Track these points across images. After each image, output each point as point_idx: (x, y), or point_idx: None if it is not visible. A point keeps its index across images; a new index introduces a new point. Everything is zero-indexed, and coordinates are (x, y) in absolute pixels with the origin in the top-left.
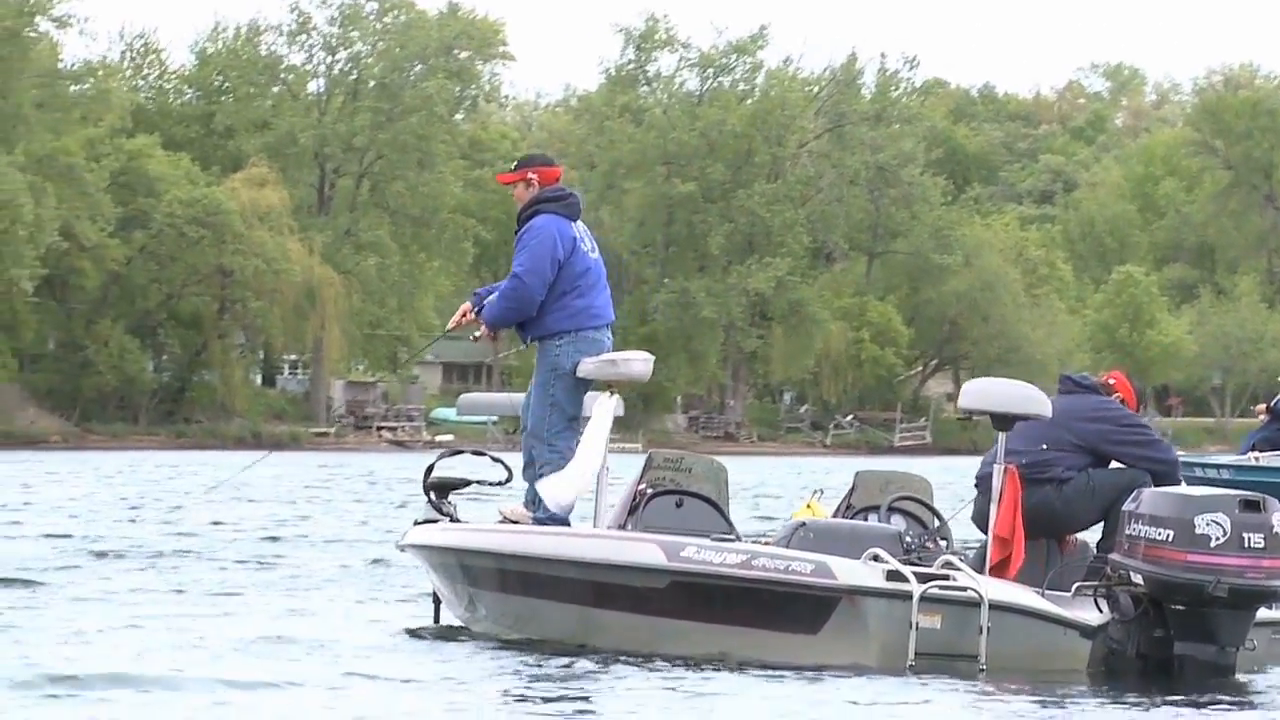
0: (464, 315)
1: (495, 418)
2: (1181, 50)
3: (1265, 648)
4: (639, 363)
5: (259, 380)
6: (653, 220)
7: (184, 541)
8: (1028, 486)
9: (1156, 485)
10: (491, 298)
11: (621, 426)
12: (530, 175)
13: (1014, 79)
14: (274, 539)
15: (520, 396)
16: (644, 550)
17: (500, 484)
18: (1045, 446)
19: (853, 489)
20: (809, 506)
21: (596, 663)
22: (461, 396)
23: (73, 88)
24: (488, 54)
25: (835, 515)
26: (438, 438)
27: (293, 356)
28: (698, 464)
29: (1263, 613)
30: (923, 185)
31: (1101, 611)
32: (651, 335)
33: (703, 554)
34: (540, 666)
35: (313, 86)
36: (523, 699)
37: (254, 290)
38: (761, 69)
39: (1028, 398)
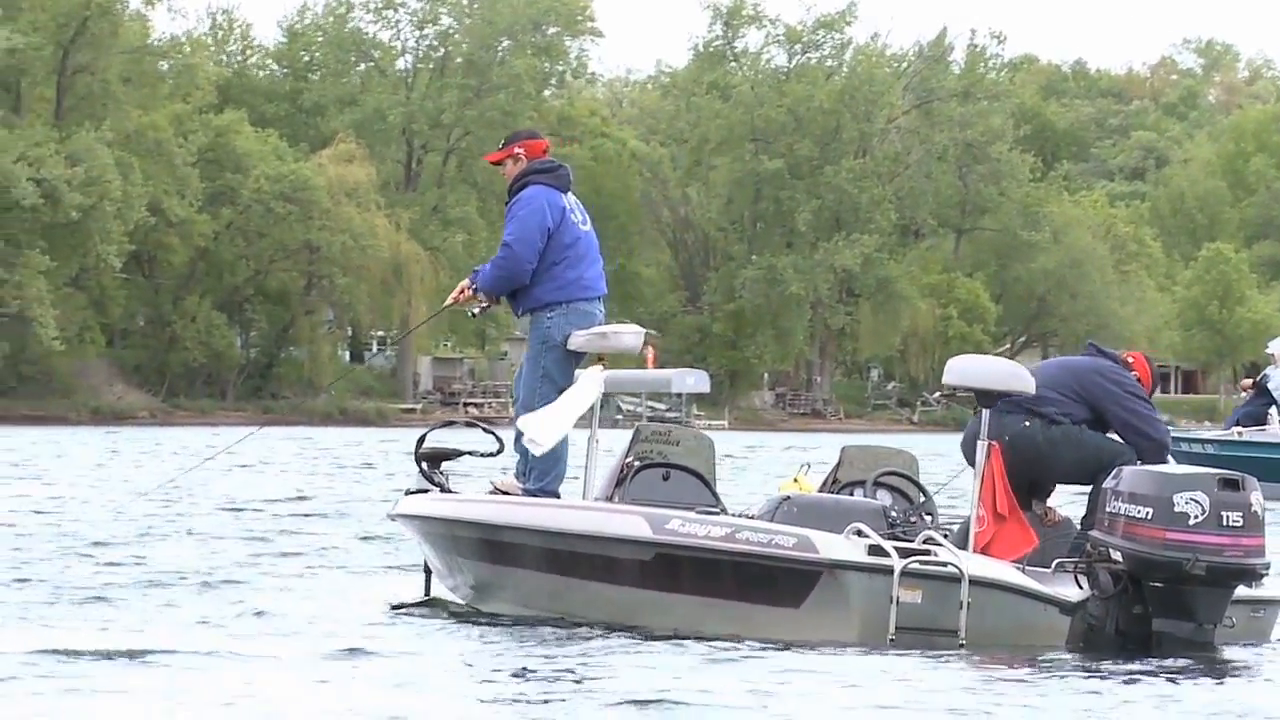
0: (463, 291)
1: None
2: (1274, 26)
3: (1244, 626)
4: (629, 335)
5: (346, 357)
6: (740, 197)
7: (200, 518)
8: (1015, 414)
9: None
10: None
11: (708, 404)
12: (517, 150)
13: (1106, 55)
14: (299, 515)
15: (610, 372)
16: (630, 522)
17: (492, 455)
18: (1051, 388)
19: (839, 464)
20: (796, 481)
21: (582, 634)
22: None
23: (162, 64)
24: (575, 29)
25: (821, 490)
26: None
27: (380, 333)
28: (685, 437)
29: (1242, 591)
30: (1011, 162)
31: (1081, 588)
32: (738, 312)
33: (687, 527)
34: (527, 638)
35: (400, 63)
36: (509, 670)
37: (341, 266)
38: (849, 45)
39: (1011, 374)
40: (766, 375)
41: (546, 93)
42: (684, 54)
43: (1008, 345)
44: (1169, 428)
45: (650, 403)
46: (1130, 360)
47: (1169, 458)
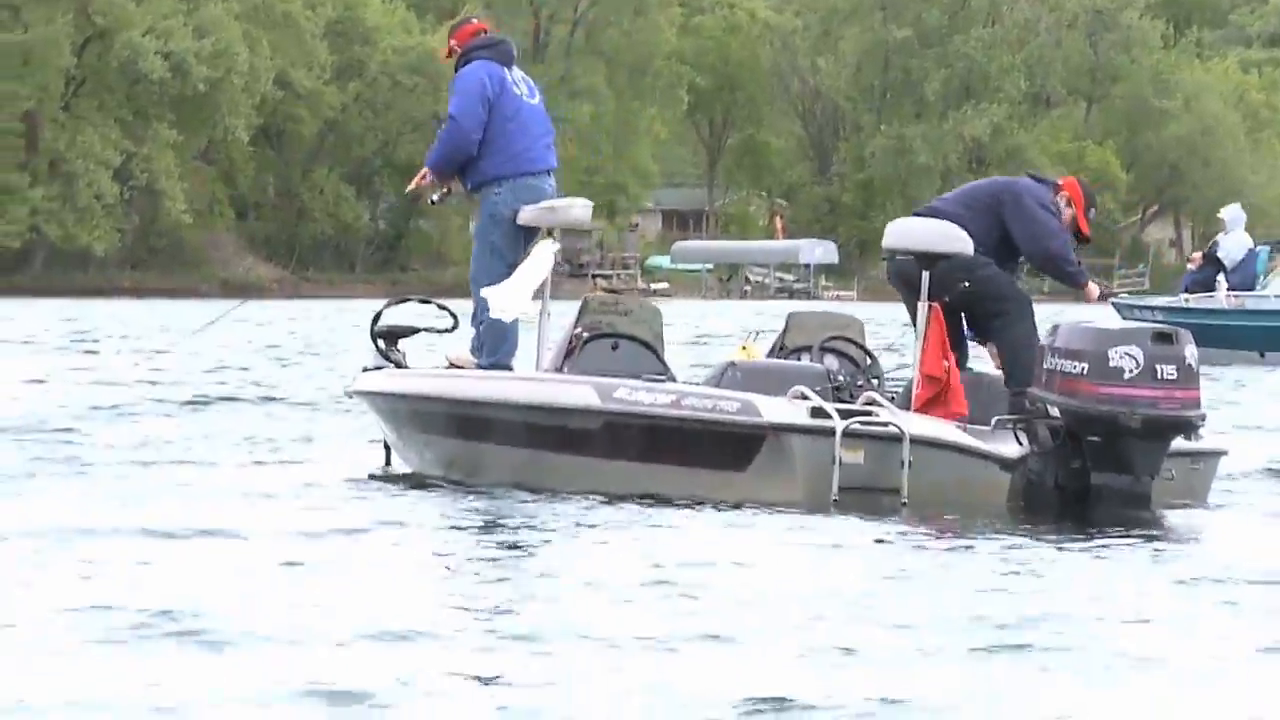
0: (423, 177)
1: (710, 265)
2: None
3: (1183, 478)
4: (578, 209)
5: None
6: (869, 66)
7: (188, 388)
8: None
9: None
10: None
11: (837, 274)
12: (451, 43)
13: None
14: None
15: (735, 244)
16: (578, 392)
17: (447, 331)
18: (961, 203)
19: (785, 330)
20: (744, 348)
21: (537, 503)
22: (676, 244)
23: None
24: None
25: (769, 357)
26: (652, 285)
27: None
28: (634, 307)
29: (1182, 444)
30: (1142, 29)
31: (1021, 444)
32: (867, 182)
33: (634, 395)
34: (482, 508)
35: None
36: (465, 540)
37: None
38: None
39: (947, 235)
40: None
41: None
42: None
43: (1139, 214)
44: (1124, 294)
45: (779, 274)
46: (1060, 182)
47: (1068, 271)
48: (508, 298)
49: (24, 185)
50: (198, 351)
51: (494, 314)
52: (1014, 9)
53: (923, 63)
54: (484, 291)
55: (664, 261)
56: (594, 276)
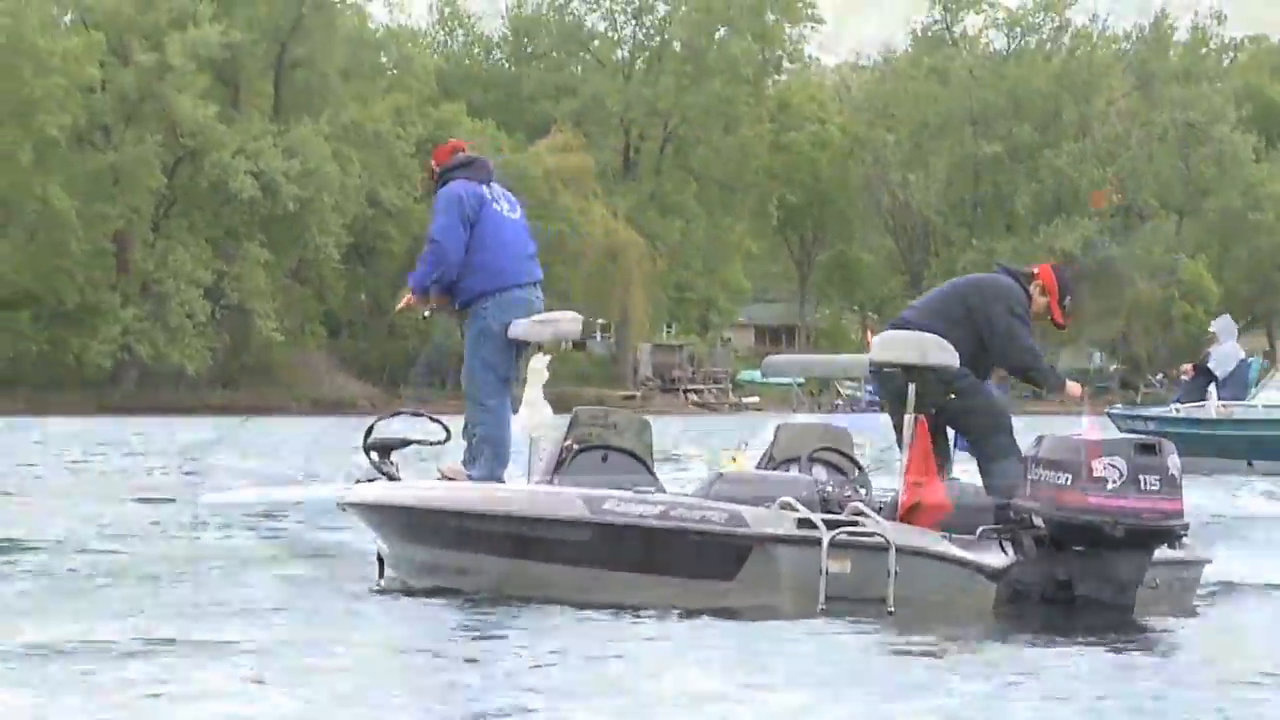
0: (408, 299)
1: (801, 379)
2: None
3: (1167, 587)
4: (568, 322)
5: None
6: (960, 181)
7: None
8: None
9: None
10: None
11: None
12: (433, 166)
13: None
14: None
15: (825, 357)
16: (568, 503)
17: (439, 444)
18: (937, 315)
19: (774, 442)
20: (734, 460)
21: (527, 614)
22: (767, 358)
23: (381, 57)
24: (794, 17)
25: (758, 467)
26: (744, 400)
27: (601, 320)
28: (622, 420)
29: (1165, 553)
30: (1234, 143)
31: (1006, 554)
32: None
33: (623, 505)
34: (472, 619)
35: (618, 54)
36: (454, 650)
37: (557, 254)
38: (1069, 28)
39: (932, 347)
40: None
41: (769, 81)
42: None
43: None
44: (1117, 407)
45: (869, 387)
46: (1036, 271)
47: (1037, 380)
48: (533, 419)
49: (115, 305)
50: (250, 467)
51: (529, 434)
52: (1105, 123)
53: (1013, 177)
54: (516, 421)
55: (755, 376)
56: (685, 391)
